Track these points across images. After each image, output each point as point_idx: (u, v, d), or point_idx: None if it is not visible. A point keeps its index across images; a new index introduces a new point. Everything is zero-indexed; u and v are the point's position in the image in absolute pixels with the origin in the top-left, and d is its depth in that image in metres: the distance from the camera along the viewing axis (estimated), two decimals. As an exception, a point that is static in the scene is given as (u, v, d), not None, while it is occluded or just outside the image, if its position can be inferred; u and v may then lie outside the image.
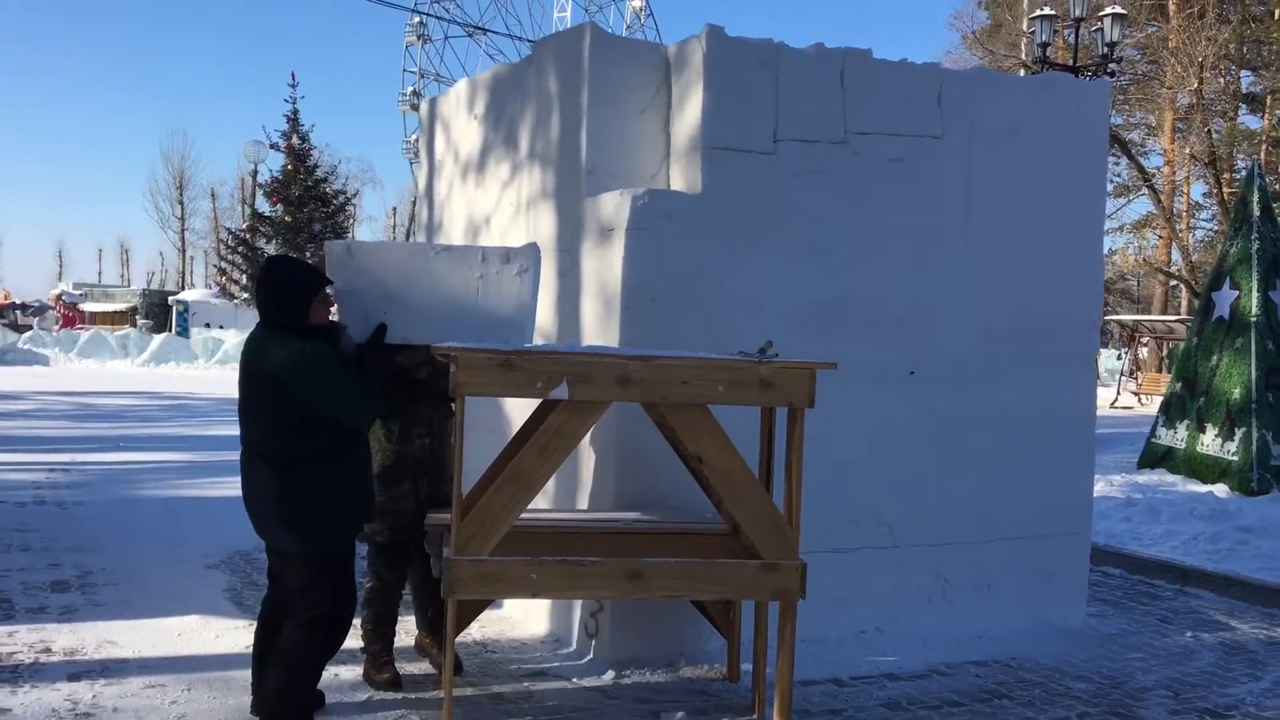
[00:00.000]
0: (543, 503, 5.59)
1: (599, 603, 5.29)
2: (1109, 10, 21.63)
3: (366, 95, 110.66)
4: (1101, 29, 21.58)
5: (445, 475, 5.10)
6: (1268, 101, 33.97)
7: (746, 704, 4.86)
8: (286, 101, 34.36)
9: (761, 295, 5.58)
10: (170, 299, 53.36)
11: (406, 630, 5.44)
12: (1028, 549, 6.26)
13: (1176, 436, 11.82)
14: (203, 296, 50.59)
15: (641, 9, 58.11)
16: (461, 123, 7.19)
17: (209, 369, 32.97)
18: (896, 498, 5.91)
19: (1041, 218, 6.26)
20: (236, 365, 4.14)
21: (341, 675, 4.96)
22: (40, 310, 61.83)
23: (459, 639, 4.87)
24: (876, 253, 5.85)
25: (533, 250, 4.92)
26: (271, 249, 34.30)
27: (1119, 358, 33.62)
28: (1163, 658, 5.86)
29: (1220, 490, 10.65)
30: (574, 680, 5.12)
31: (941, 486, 6.01)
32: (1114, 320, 32.74)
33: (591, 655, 5.39)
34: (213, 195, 66.36)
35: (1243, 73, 35.14)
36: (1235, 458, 10.94)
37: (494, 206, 6.69)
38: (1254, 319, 11.31)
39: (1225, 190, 30.13)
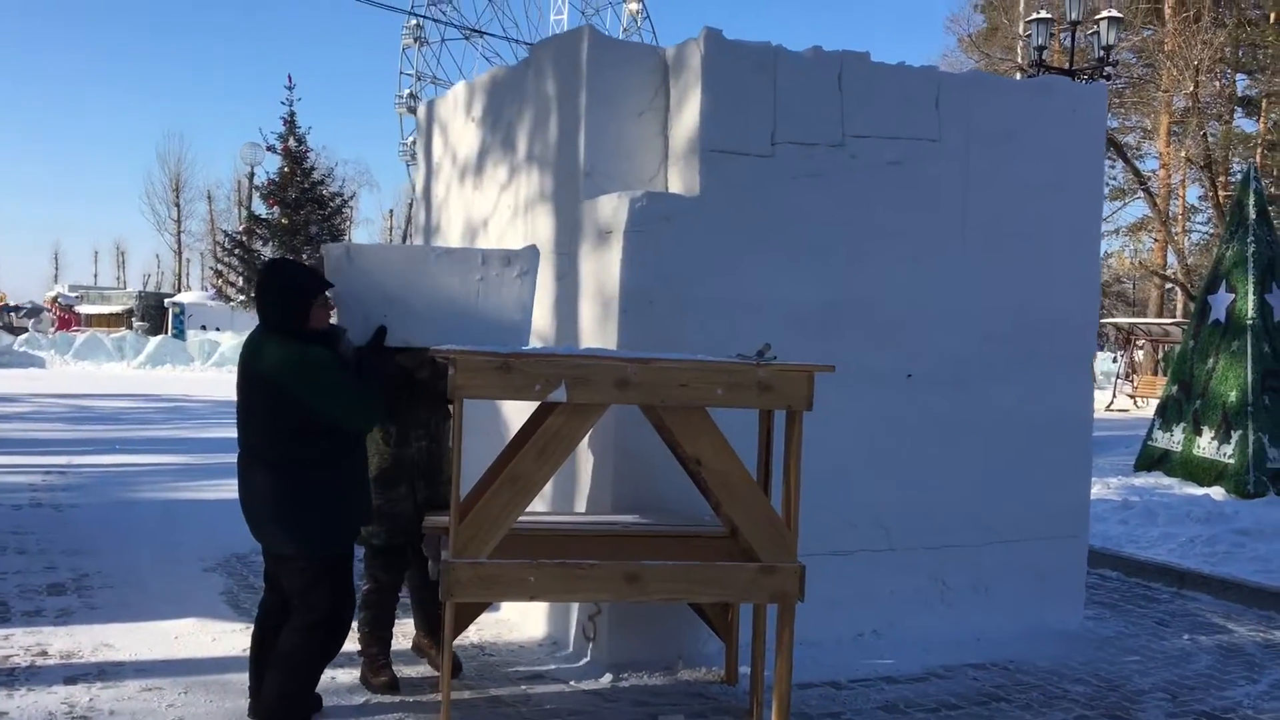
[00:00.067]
0: (540, 505, 5.59)
1: (597, 605, 5.29)
2: (1105, 14, 21.67)
3: (363, 98, 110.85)
4: (1097, 32, 21.60)
5: (443, 477, 5.11)
6: (1263, 105, 34.02)
7: (744, 707, 4.86)
8: (283, 104, 34.29)
9: (760, 298, 5.58)
10: (166, 301, 53.31)
11: (404, 633, 5.43)
12: (1025, 551, 6.27)
13: (1173, 439, 11.83)
14: (199, 299, 50.52)
15: (638, 12, 58.13)
16: (459, 125, 7.19)
17: (205, 371, 32.95)
18: (894, 500, 5.91)
19: (1039, 220, 6.27)
20: (233, 368, 4.17)
21: (339, 678, 4.95)
22: (33, 312, 61.74)
23: (456, 641, 4.86)
24: (874, 255, 5.86)
25: (532, 253, 4.92)
26: (268, 251, 34.21)
27: (1115, 360, 33.66)
28: (1160, 660, 5.87)
29: (1217, 493, 10.65)
30: (571, 683, 5.12)
31: (939, 489, 6.01)
32: (1110, 323, 32.77)
33: (589, 658, 5.39)
34: (209, 197, 66.32)
35: (1238, 76, 35.21)
36: (1231, 460, 10.95)
37: (492, 209, 6.69)
38: (1250, 322, 11.33)
39: (1221, 193, 30.20)
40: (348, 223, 40.39)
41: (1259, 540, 8.50)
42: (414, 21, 53.73)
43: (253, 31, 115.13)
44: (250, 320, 33.92)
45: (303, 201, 33.90)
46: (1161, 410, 12.26)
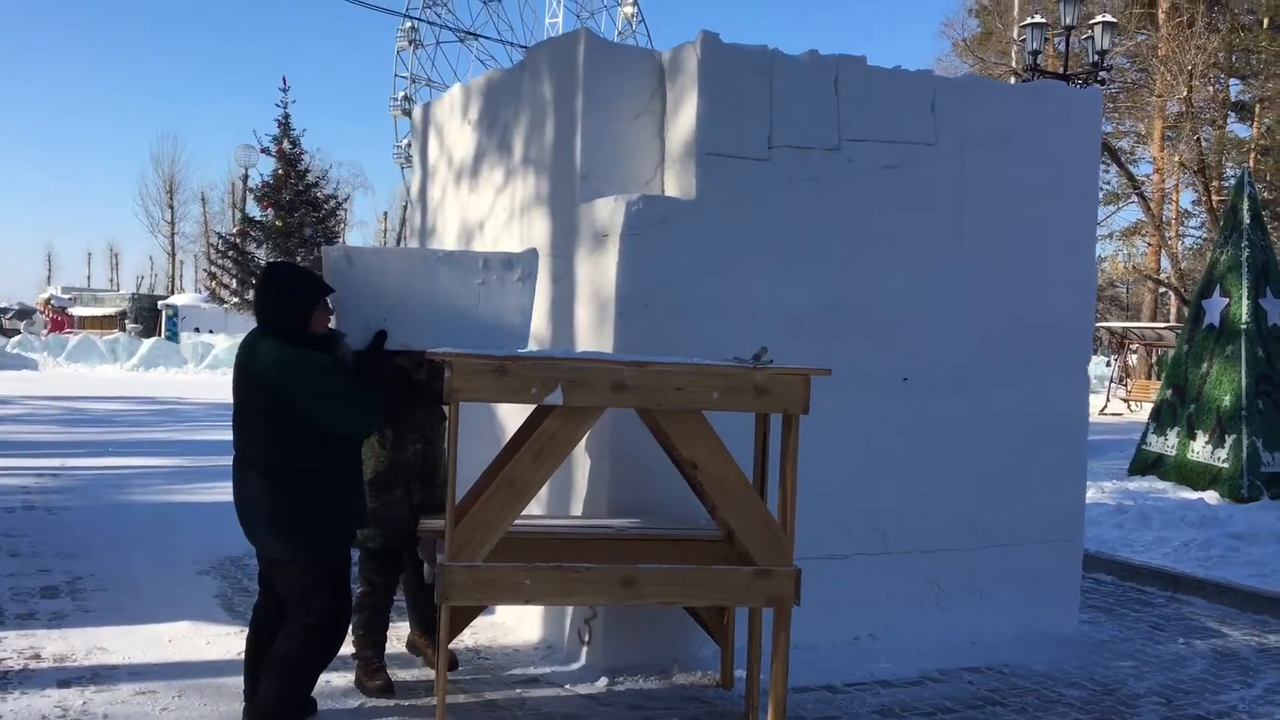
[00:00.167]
0: (536, 509, 5.58)
1: (592, 609, 5.28)
2: (1099, 19, 21.72)
3: (358, 100, 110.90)
4: (1092, 37, 21.65)
5: (438, 480, 5.10)
6: (1256, 110, 34.13)
7: (740, 711, 4.85)
8: (278, 106, 34.28)
9: (756, 301, 5.57)
10: (160, 303, 53.15)
11: (398, 636, 5.42)
12: (1020, 555, 6.27)
13: (1167, 443, 11.84)
14: (192, 301, 50.41)
15: (633, 15, 58.20)
16: (455, 128, 7.18)
17: (198, 374, 32.86)
18: (890, 504, 5.91)
19: (1034, 224, 6.27)
20: (226, 370, 4.14)
21: (333, 682, 4.94)
22: (23, 314, 61.52)
23: (451, 644, 4.85)
24: (871, 259, 5.86)
25: (532, 256, 4.92)
26: (262, 254, 34.19)
27: (1108, 364, 33.71)
28: (1155, 664, 5.87)
29: (1211, 497, 10.66)
30: (567, 687, 5.11)
31: (935, 493, 6.01)
32: (1103, 327, 32.82)
33: (584, 662, 5.38)
34: (203, 199, 66.21)
35: (1231, 81, 35.31)
36: (1226, 465, 10.96)
37: (487, 212, 6.68)
38: (1244, 326, 11.34)
39: (1214, 198, 30.25)
40: (342, 225, 40.39)
41: (1253, 544, 8.51)
42: (409, 24, 53.74)
43: (247, 33, 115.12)
44: (243, 323, 33.92)
45: (297, 204, 33.87)
46: (1155, 414, 12.27)
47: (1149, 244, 35.61)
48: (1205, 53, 29.37)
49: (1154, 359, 31.01)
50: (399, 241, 52.73)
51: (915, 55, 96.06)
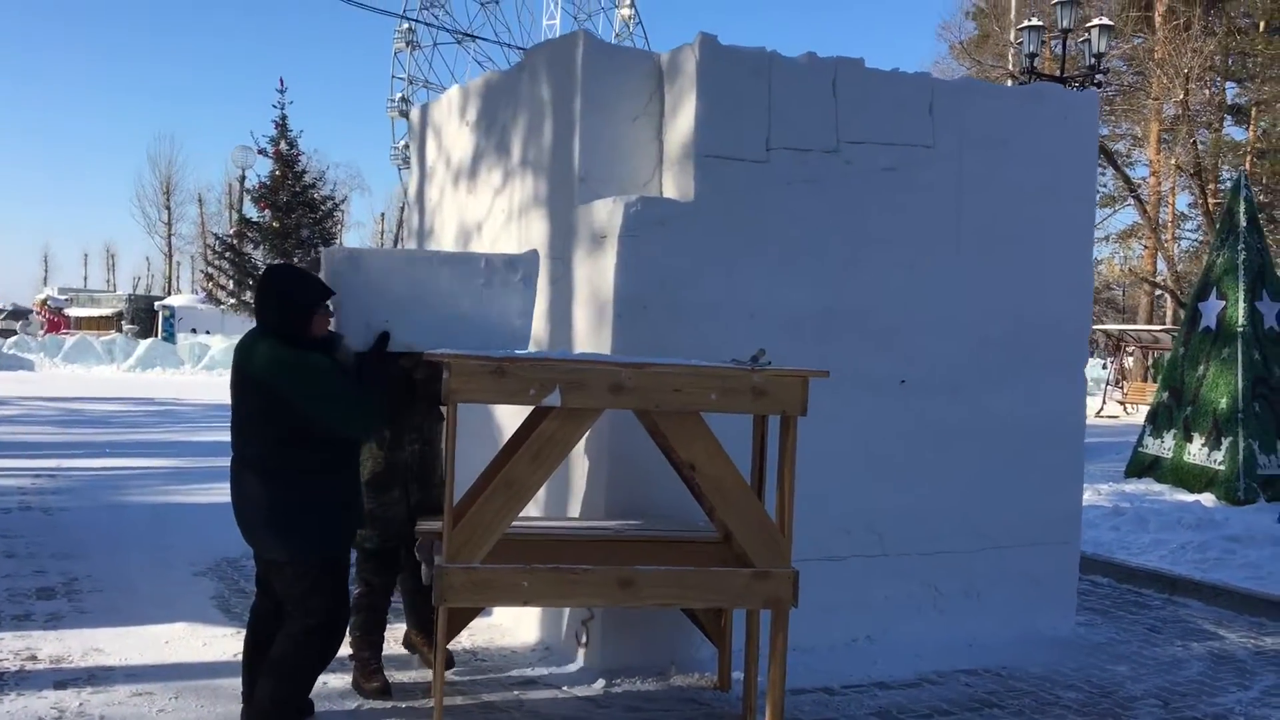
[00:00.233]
0: (533, 510, 5.58)
1: (589, 611, 5.28)
2: (1096, 22, 21.74)
3: (355, 101, 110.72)
4: (1089, 40, 21.67)
5: (435, 481, 5.10)
6: (1252, 113, 34.21)
7: (737, 713, 4.85)
8: (275, 107, 34.19)
9: (754, 303, 5.58)
10: (156, 304, 53.11)
11: (394, 637, 5.41)
12: (1017, 557, 6.27)
13: (1163, 446, 11.86)
14: (189, 302, 50.35)
15: (630, 17, 58.20)
16: (453, 129, 7.18)
17: (195, 374, 32.86)
18: (888, 506, 5.91)
19: (1032, 227, 6.28)
20: (223, 371, 4.14)
21: (330, 683, 4.93)
22: (16, 315, 61.38)
23: (449, 645, 4.84)
24: (869, 261, 5.86)
25: (534, 258, 4.93)
26: (259, 255, 34.13)
27: (1104, 367, 33.75)
28: (1152, 667, 5.87)
29: (1207, 499, 10.68)
30: (564, 689, 5.10)
31: (932, 495, 6.02)
32: (1100, 330, 32.86)
33: (582, 663, 5.38)
34: (200, 200, 66.08)
35: (1228, 84, 35.37)
36: (1222, 467, 10.98)
37: (486, 213, 6.68)
38: (1240, 329, 11.36)
39: (1210, 201, 30.29)
40: (339, 226, 40.35)
41: (1249, 547, 8.52)
42: (406, 25, 53.71)
43: (245, 34, 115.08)
44: (240, 324, 33.89)
45: (294, 205, 33.81)
46: (1152, 417, 12.28)
47: (1145, 247, 35.65)
48: (1201, 56, 29.42)
49: (1150, 361, 31.07)
50: (396, 243, 52.74)
51: (912, 58, 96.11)
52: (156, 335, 45.88)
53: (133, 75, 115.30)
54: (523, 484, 4.37)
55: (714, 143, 5.51)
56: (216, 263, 36.59)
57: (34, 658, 5.25)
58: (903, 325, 5.94)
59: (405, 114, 53.00)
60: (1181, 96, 28.93)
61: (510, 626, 6.02)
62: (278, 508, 4.15)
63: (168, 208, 66.46)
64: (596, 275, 5.48)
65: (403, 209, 52.16)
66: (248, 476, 4.20)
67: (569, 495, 5.63)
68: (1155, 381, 22.86)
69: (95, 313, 59.45)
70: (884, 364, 5.89)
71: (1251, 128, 34.53)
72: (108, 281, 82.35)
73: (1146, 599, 7.51)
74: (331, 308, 4.38)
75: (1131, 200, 32.76)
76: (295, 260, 30.57)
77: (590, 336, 5.51)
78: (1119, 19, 29.38)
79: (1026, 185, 6.25)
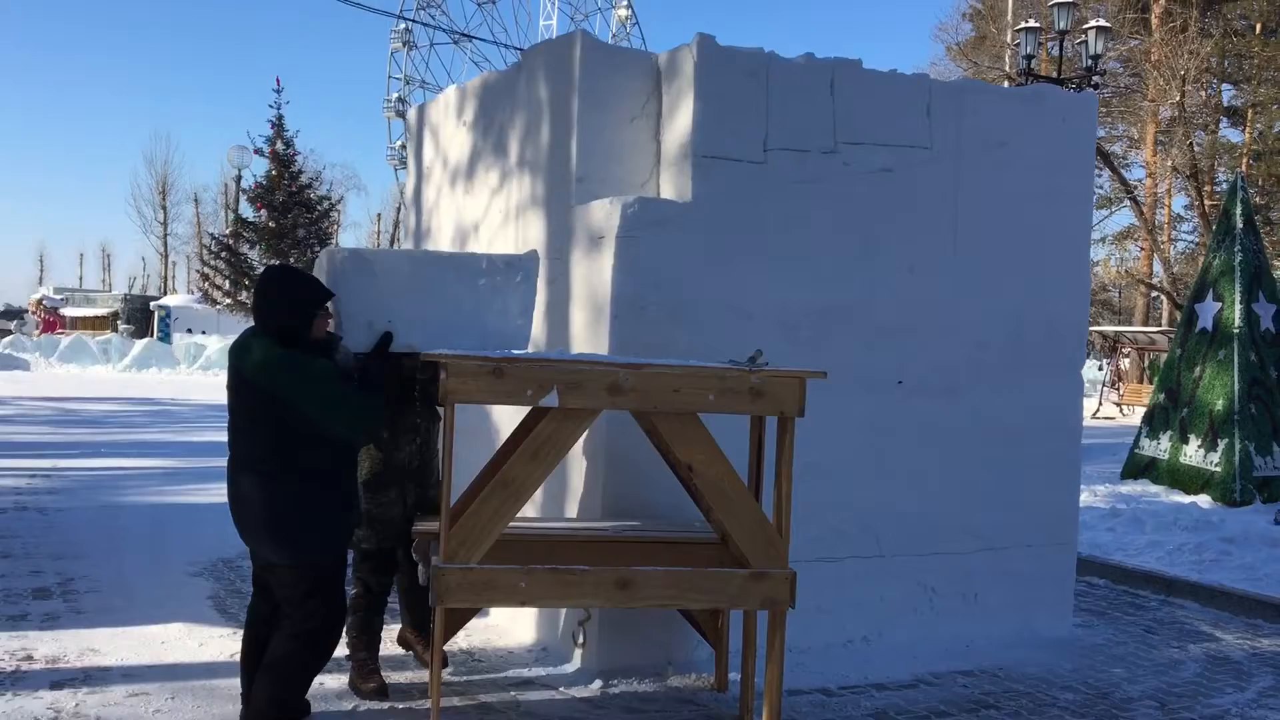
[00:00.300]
0: (531, 511, 5.57)
1: (586, 611, 5.27)
2: (1093, 23, 21.77)
3: (351, 101, 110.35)
4: (1085, 42, 21.70)
5: (432, 482, 5.09)
6: (1249, 115, 34.28)
7: (735, 714, 4.85)
8: (271, 106, 34.21)
9: (752, 303, 5.58)
10: (152, 304, 53.04)
11: (391, 637, 5.41)
12: (1014, 559, 6.28)
13: (1160, 447, 11.87)
14: (185, 302, 50.27)
15: (627, 18, 58.21)
16: (450, 129, 7.18)
17: (191, 374, 32.82)
18: (885, 507, 5.91)
19: (1029, 228, 6.28)
20: (218, 371, 4.12)
21: (327, 684, 4.92)
22: (9, 315, 61.27)
23: (445, 646, 4.84)
24: (866, 262, 5.86)
25: (534, 258, 4.93)
26: (255, 255, 34.12)
27: (1100, 368, 33.80)
28: (1148, 668, 5.88)
29: (1203, 501, 10.70)
30: (561, 689, 5.10)
31: (929, 496, 6.02)
32: (1096, 331, 32.90)
33: (579, 664, 5.37)
34: (196, 200, 66.01)
35: (1224, 86, 35.45)
36: (1218, 469, 11.00)
37: (483, 214, 6.68)
38: (1237, 331, 11.38)
39: (1206, 203, 30.36)
40: (335, 226, 40.33)
41: (1245, 548, 8.53)
42: (402, 25, 53.68)
43: (240, 33, 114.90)
44: (236, 324, 33.83)
45: (290, 205, 33.80)
46: (1148, 418, 12.30)
47: (1141, 248, 35.71)
48: (1198, 58, 29.48)
49: (1146, 363, 31.12)
50: (392, 243, 52.74)
51: (908, 59, 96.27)
52: (152, 335, 45.83)
53: (128, 74, 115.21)
54: (520, 484, 4.37)
55: (712, 143, 5.51)
56: (212, 263, 36.57)
57: (30, 658, 5.24)
58: (900, 326, 5.94)
59: (402, 114, 53.00)
60: (1178, 98, 28.98)
61: (507, 627, 6.01)
62: (275, 510, 4.13)
63: (163, 207, 66.41)
64: (594, 276, 5.48)
65: (399, 209, 52.19)
66: (245, 477, 4.19)
67: (566, 496, 5.63)
68: (1151, 383, 22.91)
69: (91, 312, 59.34)
70: (881, 365, 5.90)
71: (1247, 130, 34.60)
72: (103, 281, 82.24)
73: (1143, 600, 7.51)
74: (331, 310, 4.37)
75: (1128, 202, 32.80)
76: (291, 260, 30.56)
77: (587, 337, 5.50)
78: (1116, 21, 29.43)
79: (1024, 186, 6.25)
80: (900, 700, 5.18)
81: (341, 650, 4.87)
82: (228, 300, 35.48)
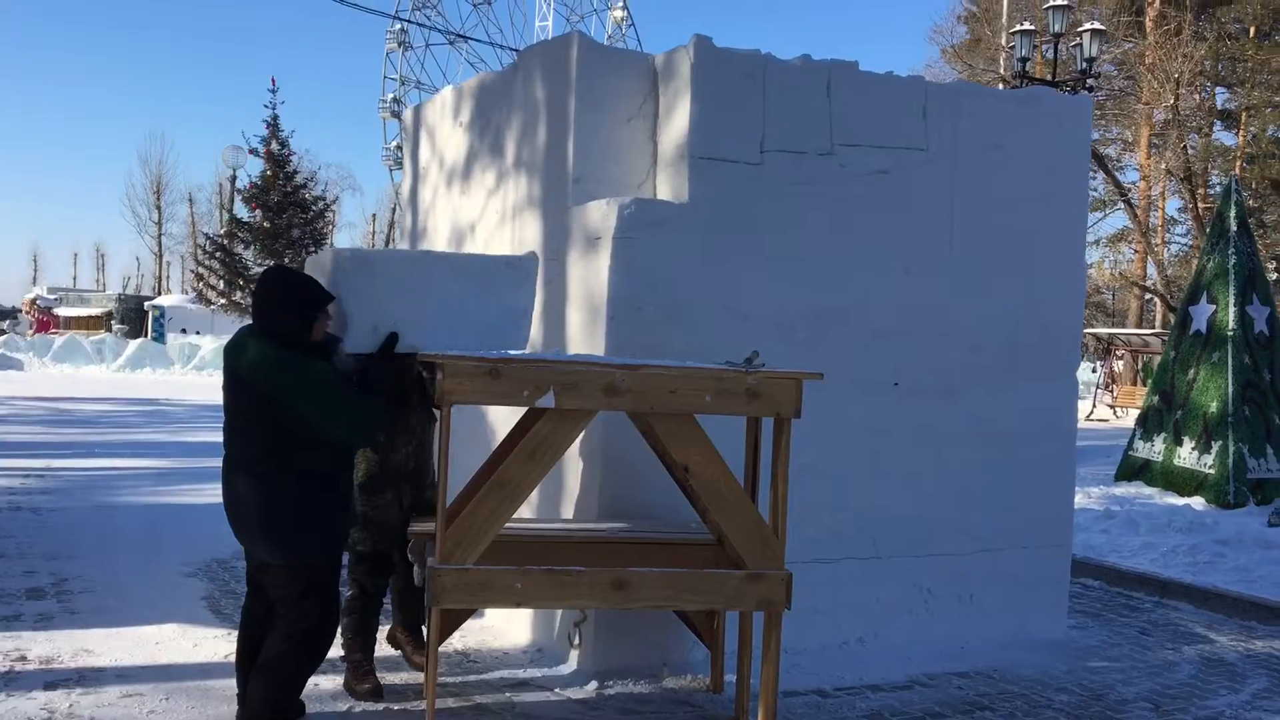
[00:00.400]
0: (526, 511, 5.57)
1: (582, 612, 5.27)
2: (1088, 26, 21.81)
3: (347, 101, 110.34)
4: (1080, 44, 21.74)
5: (428, 483, 5.08)
6: (1242, 118, 34.38)
7: (730, 715, 4.85)
8: (266, 107, 34.22)
9: (748, 305, 5.58)
10: (146, 304, 52.96)
11: (384, 637, 5.40)
12: (1009, 560, 6.28)
13: (1154, 449, 11.90)
14: (179, 302, 50.20)
15: (623, 19, 58.21)
16: (447, 129, 7.17)
17: (185, 375, 32.75)
18: (880, 508, 5.92)
19: (1025, 230, 6.29)
20: (213, 371, 4.11)
21: (321, 685, 4.91)
22: (5, 314, 61.12)
23: (440, 647, 4.83)
24: (862, 263, 5.87)
25: (533, 259, 4.93)
26: (250, 255, 34.10)
27: (1094, 371, 33.87)
28: (1143, 670, 5.89)
29: (1197, 503, 10.72)
30: (556, 691, 5.10)
31: (925, 497, 6.03)
32: (1090, 333, 32.98)
33: (574, 666, 5.37)
34: (190, 200, 65.96)
35: (1218, 89, 35.57)
36: (1212, 471, 11.02)
37: (479, 214, 6.67)
38: (1231, 333, 11.41)
39: (1200, 205, 30.45)
40: (330, 226, 40.26)
41: (1239, 550, 8.55)
42: (398, 26, 53.63)
43: (236, 34, 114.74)
44: (230, 324, 33.80)
45: (285, 205, 33.80)
46: (1142, 420, 12.32)
47: (1135, 250, 35.81)
48: (1192, 61, 29.57)
49: (1140, 365, 31.20)
50: (387, 243, 52.68)
51: (904, 61, 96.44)
52: (146, 335, 45.75)
53: (124, 74, 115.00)
54: (517, 485, 4.36)
55: (708, 145, 5.51)
56: (207, 263, 36.55)
57: (24, 658, 5.22)
58: (896, 328, 5.95)
59: (397, 114, 53.02)
60: (1172, 101, 29.07)
61: (502, 628, 6.01)
62: (271, 510, 4.12)
63: (158, 207, 66.35)
64: (590, 276, 5.47)
65: (394, 209, 52.11)
66: (240, 478, 4.17)
67: (562, 497, 5.63)
68: (1145, 385, 22.96)
69: (84, 312, 59.19)
70: (877, 366, 5.90)
71: (1241, 133, 34.70)
72: (97, 281, 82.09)
73: (1137, 602, 7.52)
74: (330, 312, 4.34)
75: (1121, 204, 32.92)
76: (286, 260, 30.52)
77: (584, 338, 5.50)
78: (1110, 24, 29.51)
79: (1019, 189, 6.26)
80: (895, 701, 5.19)
81: (336, 651, 4.87)
82: (222, 300, 35.47)
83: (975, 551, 6.20)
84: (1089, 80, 21.71)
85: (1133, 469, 12.07)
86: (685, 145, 5.51)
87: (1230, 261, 11.66)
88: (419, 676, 5.06)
